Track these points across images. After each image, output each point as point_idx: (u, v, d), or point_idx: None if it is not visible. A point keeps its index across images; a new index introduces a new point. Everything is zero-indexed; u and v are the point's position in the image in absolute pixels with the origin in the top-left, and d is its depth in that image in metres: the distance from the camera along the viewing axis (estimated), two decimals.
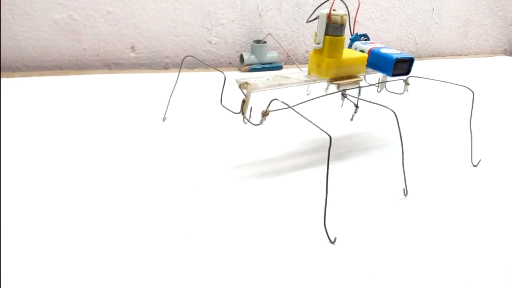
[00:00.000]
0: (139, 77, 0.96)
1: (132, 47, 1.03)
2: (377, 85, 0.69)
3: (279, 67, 1.11)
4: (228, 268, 0.43)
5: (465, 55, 1.55)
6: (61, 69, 0.98)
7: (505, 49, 1.63)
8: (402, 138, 0.53)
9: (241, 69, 1.08)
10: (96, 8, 0.95)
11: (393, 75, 0.62)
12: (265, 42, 1.10)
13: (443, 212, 0.55)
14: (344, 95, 0.66)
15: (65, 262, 0.42)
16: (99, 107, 0.77)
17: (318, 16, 0.57)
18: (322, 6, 0.60)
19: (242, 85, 0.54)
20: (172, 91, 0.72)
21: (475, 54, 1.57)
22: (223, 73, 0.56)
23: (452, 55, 1.53)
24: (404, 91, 0.68)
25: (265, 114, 0.54)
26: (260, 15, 1.13)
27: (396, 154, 0.66)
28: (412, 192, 0.58)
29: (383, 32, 1.31)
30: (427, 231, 0.51)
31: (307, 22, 0.61)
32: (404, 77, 0.66)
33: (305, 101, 0.55)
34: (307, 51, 1.25)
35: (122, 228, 0.47)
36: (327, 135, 0.46)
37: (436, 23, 1.43)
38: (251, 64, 1.08)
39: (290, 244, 0.47)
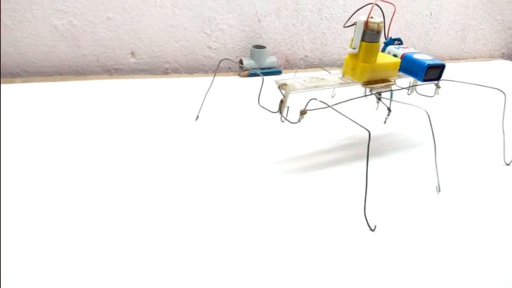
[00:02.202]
0: (139, 82, 0.96)
1: (132, 53, 1.03)
2: (408, 88, 0.72)
3: (278, 72, 1.12)
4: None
5: (463, 59, 1.55)
6: (61, 74, 0.98)
7: (503, 53, 1.64)
8: (435, 137, 0.57)
9: (241, 74, 1.08)
10: (96, 14, 0.96)
11: (424, 81, 0.64)
12: (264, 47, 1.11)
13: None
14: (379, 98, 0.68)
15: (65, 265, 0.42)
16: (99, 112, 0.77)
17: (356, 22, 0.60)
18: (358, 12, 0.63)
19: (281, 86, 0.57)
20: (207, 92, 0.76)
21: (473, 58, 1.58)
22: (261, 76, 0.60)
23: (451, 59, 1.53)
24: (435, 94, 0.71)
25: (303, 113, 0.57)
26: (259, 20, 1.14)
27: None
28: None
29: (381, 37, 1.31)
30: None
31: (344, 27, 0.63)
32: (435, 81, 0.68)
33: (341, 102, 0.58)
34: (306, 56, 1.25)
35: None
36: (363, 133, 0.50)
37: (434, 28, 1.44)
38: (250, 69, 1.08)
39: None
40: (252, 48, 1.10)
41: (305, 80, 0.60)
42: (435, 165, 0.59)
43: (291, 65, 1.25)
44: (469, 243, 0.50)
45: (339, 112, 0.53)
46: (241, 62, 1.09)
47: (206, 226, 0.49)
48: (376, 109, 0.75)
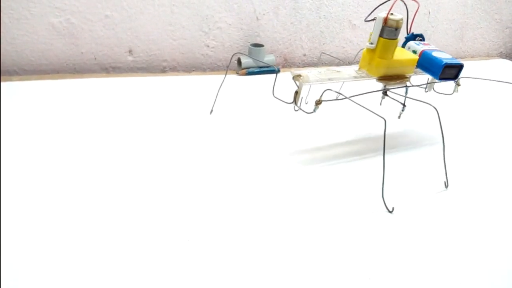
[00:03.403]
0: (136, 80, 0.96)
1: (130, 51, 1.03)
2: (425, 85, 0.72)
3: (276, 71, 1.12)
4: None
5: (461, 58, 1.56)
6: (58, 73, 0.98)
7: (501, 52, 1.64)
8: (444, 135, 0.58)
9: (239, 72, 1.08)
10: (93, 12, 0.95)
11: (440, 79, 0.65)
12: (262, 45, 1.11)
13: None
14: (385, 94, 0.69)
15: (63, 262, 0.42)
16: (96, 111, 0.77)
17: (375, 17, 0.61)
18: (380, 7, 0.64)
19: (295, 77, 0.58)
20: (220, 86, 0.77)
21: (471, 57, 1.58)
22: (276, 69, 0.60)
23: None
24: (453, 92, 0.71)
25: (318, 103, 0.58)
26: (257, 18, 1.14)
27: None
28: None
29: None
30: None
31: (365, 21, 0.64)
32: (452, 80, 0.68)
33: (358, 94, 0.58)
34: (304, 55, 1.25)
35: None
36: (377, 124, 0.53)
37: (433, 27, 1.44)
38: (248, 68, 1.08)
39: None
40: (250, 46, 1.10)
41: (320, 72, 0.61)
42: (443, 161, 0.60)
43: (289, 64, 1.24)
44: (471, 232, 0.53)
45: (355, 102, 0.54)
46: (239, 61, 1.09)
47: (215, 223, 0.49)
48: (380, 104, 0.75)
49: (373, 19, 0.62)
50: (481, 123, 0.87)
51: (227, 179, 0.58)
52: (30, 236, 0.45)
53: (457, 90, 0.71)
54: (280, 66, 1.20)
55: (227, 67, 0.85)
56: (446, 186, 0.61)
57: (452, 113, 0.87)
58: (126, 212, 0.50)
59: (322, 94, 0.57)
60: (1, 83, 0.84)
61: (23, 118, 0.71)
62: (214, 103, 0.78)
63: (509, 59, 1.57)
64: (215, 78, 1.03)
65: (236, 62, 1.13)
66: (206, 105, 0.82)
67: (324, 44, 1.26)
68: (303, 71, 0.59)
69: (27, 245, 0.44)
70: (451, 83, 0.69)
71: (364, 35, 1.30)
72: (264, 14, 1.14)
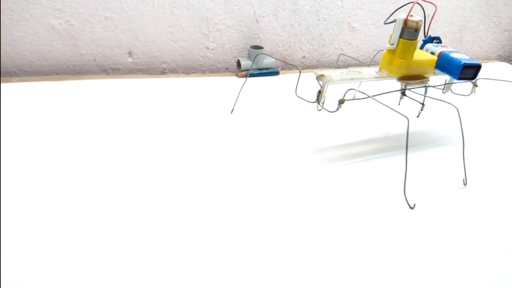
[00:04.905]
0: (136, 82, 0.96)
1: (129, 52, 1.03)
2: (443, 86, 0.73)
3: (276, 73, 1.12)
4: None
5: None
6: (58, 74, 0.98)
7: (499, 55, 1.64)
8: (464, 134, 0.59)
9: (238, 74, 1.08)
10: (93, 13, 0.96)
11: (459, 79, 0.66)
12: (261, 48, 1.11)
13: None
14: (403, 94, 0.70)
15: (64, 265, 0.42)
16: (96, 112, 0.77)
17: (395, 20, 0.62)
18: (400, 9, 0.65)
19: (319, 77, 0.60)
20: (241, 88, 0.79)
21: None
22: (298, 68, 0.65)
23: None
24: (471, 93, 0.71)
25: (341, 102, 0.59)
26: (257, 21, 1.14)
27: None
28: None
29: (379, 38, 1.32)
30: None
31: (385, 23, 0.66)
32: (470, 80, 0.69)
33: (379, 94, 0.60)
34: (303, 57, 1.25)
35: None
36: (398, 123, 0.56)
37: (431, 30, 1.44)
38: (248, 70, 1.08)
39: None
40: (250, 48, 1.10)
41: (342, 72, 0.62)
42: (462, 159, 0.61)
43: (288, 66, 1.25)
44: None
45: (378, 101, 0.55)
46: (238, 63, 1.09)
47: (220, 223, 0.49)
48: (398, 104, 0.76)
49: (392, 21, 0.63)
50: (486, 123, 0.87)
51: (237, 180, 0.58)
52: (30, 236, 0.45)
53: (475, 91, 0.71)
54: (279, 68, 1.20)
55: (249, 70, 0.85)
56: (465, 184, 0.62)
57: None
58: (128, 214, 0.50)
59: (346, 93, 0.58)
60: (1, 84, 0.84)
61: (22, 119, 0.71)
62: (235, 103, 0.79)
63: (507, 62, 1.58)
64: (215, 80, 1.03)
65: (235, 64, 1.13)
66: (206, 106, 0.83)
67: (323, 46, 1.27)
68: (327, 72, 0.60)
69: (27, 245, 0.44)
70: (467, 85, 0.70)
71: (363, 38, 1.31)
72: (263, 16, 1.14)
